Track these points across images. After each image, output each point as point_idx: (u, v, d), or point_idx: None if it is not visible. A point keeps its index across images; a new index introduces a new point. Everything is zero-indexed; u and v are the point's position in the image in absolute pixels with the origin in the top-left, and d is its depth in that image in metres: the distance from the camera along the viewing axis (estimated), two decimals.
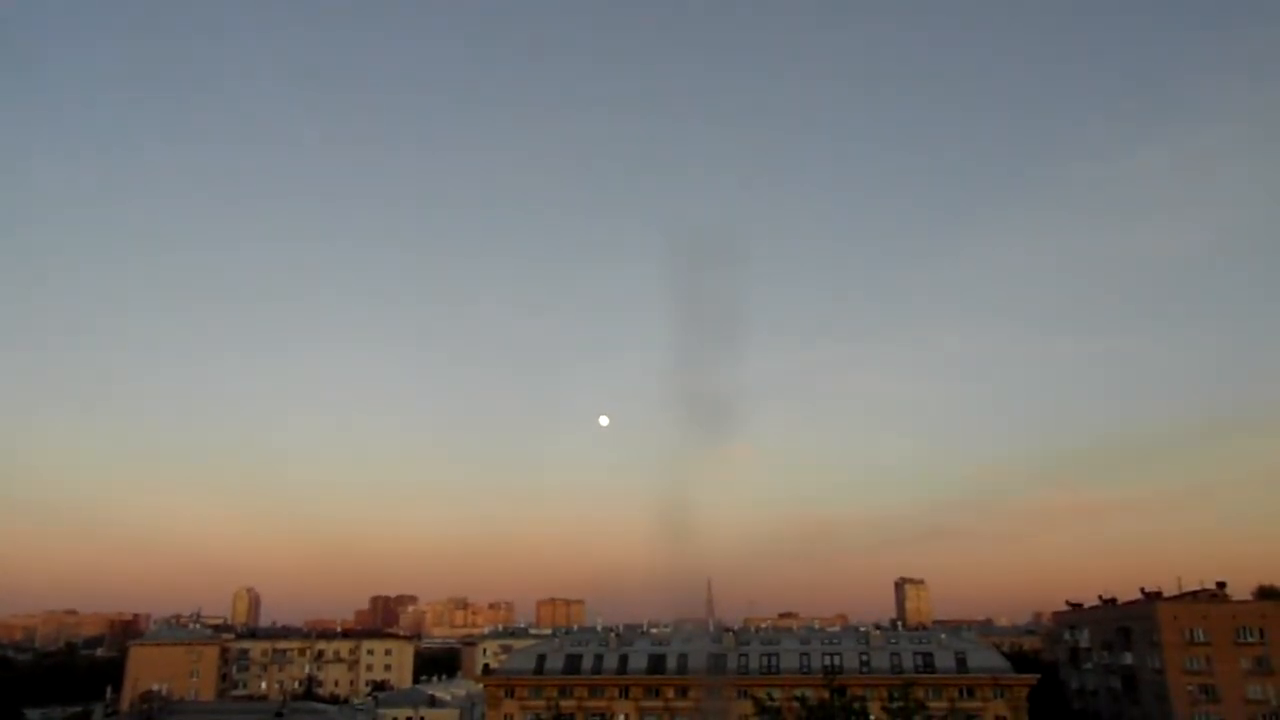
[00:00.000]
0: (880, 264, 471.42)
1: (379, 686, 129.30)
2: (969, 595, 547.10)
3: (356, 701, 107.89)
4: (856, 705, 46.88)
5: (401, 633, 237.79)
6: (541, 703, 79.09)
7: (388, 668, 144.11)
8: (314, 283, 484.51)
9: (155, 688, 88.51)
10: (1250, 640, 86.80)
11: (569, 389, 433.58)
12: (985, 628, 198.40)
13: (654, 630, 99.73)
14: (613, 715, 78.75)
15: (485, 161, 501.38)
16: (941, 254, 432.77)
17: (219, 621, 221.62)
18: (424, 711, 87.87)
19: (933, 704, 69.06)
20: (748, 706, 61.80)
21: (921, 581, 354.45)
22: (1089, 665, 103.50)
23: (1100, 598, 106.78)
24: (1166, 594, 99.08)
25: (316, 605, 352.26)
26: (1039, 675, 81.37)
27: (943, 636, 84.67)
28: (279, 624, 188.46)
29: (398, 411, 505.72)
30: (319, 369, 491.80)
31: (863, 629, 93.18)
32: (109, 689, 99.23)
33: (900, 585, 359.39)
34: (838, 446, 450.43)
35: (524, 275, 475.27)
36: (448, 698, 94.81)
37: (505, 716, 79.44)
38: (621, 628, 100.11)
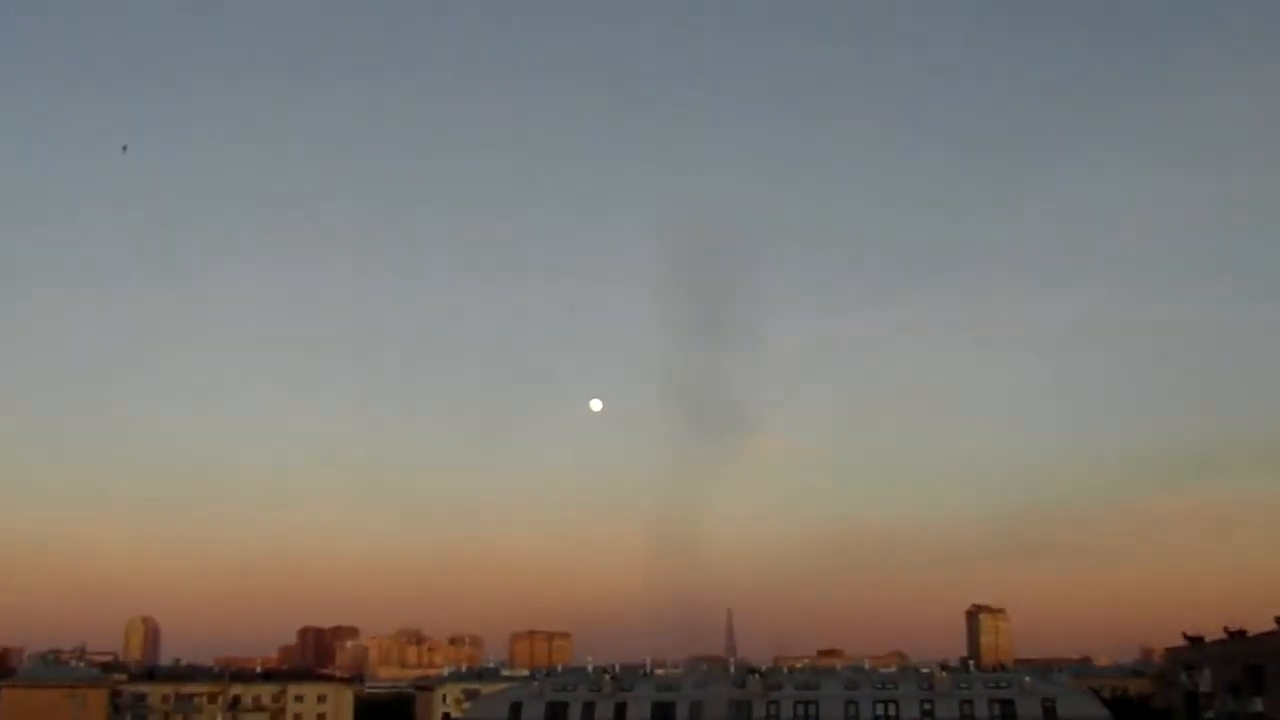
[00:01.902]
0: (947, 214, 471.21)
1: None
2: (1060, 627, 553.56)
3: None
4: None
5: (339, 674, 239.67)
6: None
7: (321, 717, 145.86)
8: (231, 241, 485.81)
9: None
10: None
11: (552, 371, 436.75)
12: (1081, 668, 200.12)
13: (659, 672, 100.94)
14: None
15: (470, 126, 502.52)
16: (1025, 199, 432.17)
17: (108, 658, 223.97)
18: None
19: None
20: None
21: (1000, 610, 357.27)
22: (1210, 714, 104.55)
23: (1226, 629, 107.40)
24: None
25: (230, 639, 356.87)
26: None
27: (1027, 679, 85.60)
28: (183, 662, 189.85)
29: (338, 404, 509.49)
30: (235, 351, 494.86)
31: (925, 669, 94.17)
32: None
33: (973, 615, 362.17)
34: (895, 439, 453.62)
35: (496, 241, 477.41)
36: None
37: None
38: (618, 668, 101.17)
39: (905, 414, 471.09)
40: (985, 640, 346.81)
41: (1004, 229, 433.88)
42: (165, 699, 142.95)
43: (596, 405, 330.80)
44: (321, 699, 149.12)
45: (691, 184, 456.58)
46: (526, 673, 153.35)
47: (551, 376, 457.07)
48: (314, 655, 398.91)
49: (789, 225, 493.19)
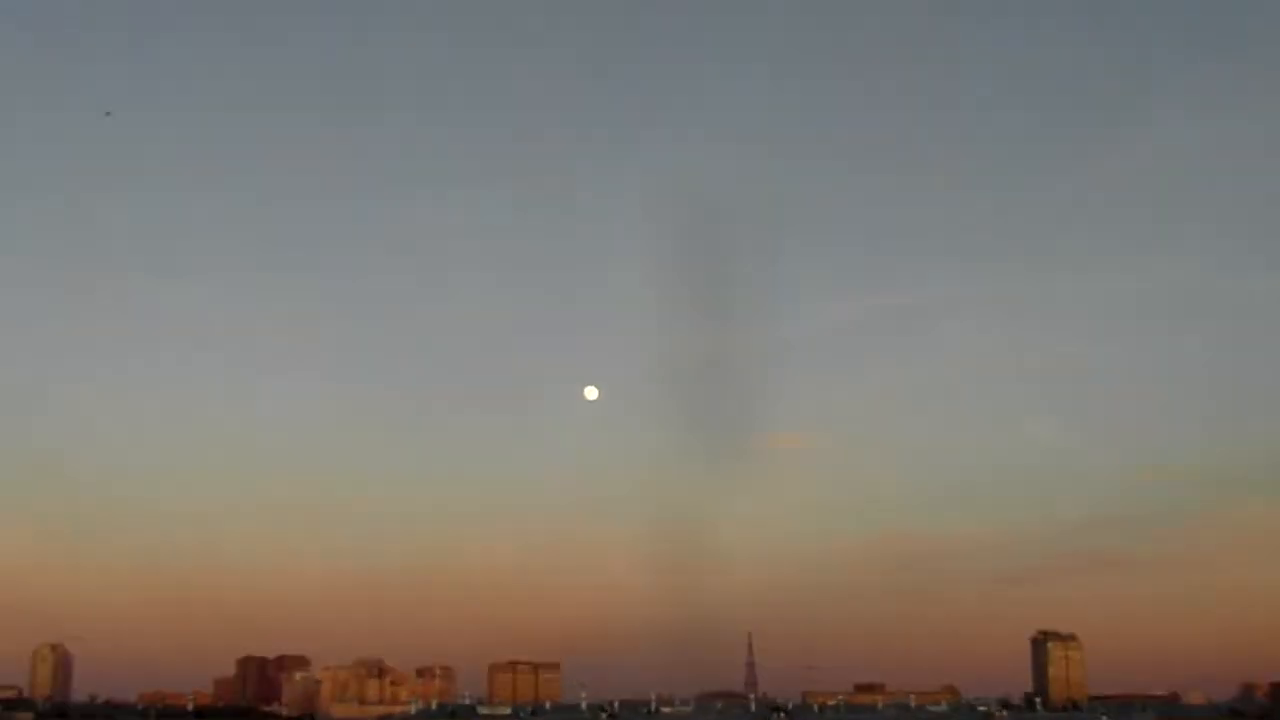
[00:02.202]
0: (1002, 171, 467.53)
1: None
2: (1143, 657, 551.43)
3: None
4: None
5: (285, 711, 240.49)
6: None
7: None
8: (165, 218, 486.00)
9: None
10: None
11: (539, 356, 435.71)
12: (1168, 706, 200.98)
13: (666, 710, 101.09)
14: None
15: (455, 94, 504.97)
16: (1099, 151, 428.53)
17: (12, 693, 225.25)
18: None
19: None
20: None
21: (1071, 637, 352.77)
22: None
23: None
24: None
25: (157, 670, 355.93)
26: None
27: (1104, 718, 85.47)
28: (101, 698, 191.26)
29: (286, 399, 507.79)
30: (163, 338, 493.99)
31: (982, 708, 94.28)
32: None
33: (1040, 642, 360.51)
34: (944, 436, 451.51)
35: (474, 210, 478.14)
36: None
37: None
38: (617, 705, 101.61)
39: (955, 407, 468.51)
40: (1054, 672, 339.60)
41: (1073, 187, 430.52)
42: None
43: (591, 393, 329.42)
44: None
45: (701, 145, 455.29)
46: (508, 710, 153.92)
47: (538, 362, 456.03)
48: (256, 689, 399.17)
49: (813, 189, 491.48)
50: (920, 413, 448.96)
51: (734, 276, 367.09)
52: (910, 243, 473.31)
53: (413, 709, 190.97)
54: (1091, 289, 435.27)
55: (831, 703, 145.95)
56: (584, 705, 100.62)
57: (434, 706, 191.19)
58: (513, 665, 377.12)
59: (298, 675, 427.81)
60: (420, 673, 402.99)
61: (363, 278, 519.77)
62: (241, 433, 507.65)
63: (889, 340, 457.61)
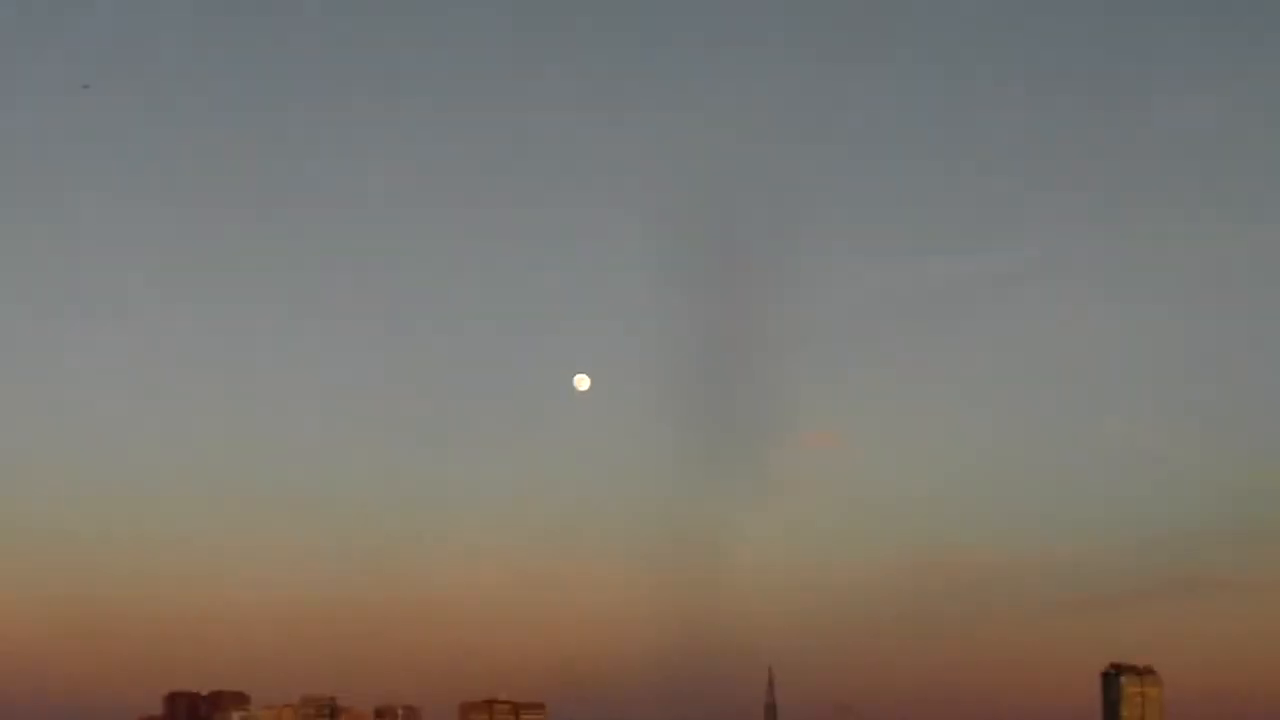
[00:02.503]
0: (1079, 108, 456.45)
1: None
2: (1231, 694, 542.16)
3: None
4: None
5: None
6: None
7: None
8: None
9: None
10: None
11: (521, 339, 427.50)
12: None
13: None
14: None
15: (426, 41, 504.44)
16: (1196, 86, 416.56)
17: None
18: None
19: None
20: None
21: (1149, 671, 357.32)
22: None
23: None
24: None
25: (71, 706, 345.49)
26: None
27: None
28: None
29: (223, 389, 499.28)
30: (90, 323, 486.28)
31: None
32: None
33: (1113, 676, 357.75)
34: (998, 435, 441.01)
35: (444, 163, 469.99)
36: None
37: None
38: None
39: (1013, 399, 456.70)
40: (1128, 714, 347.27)
41: (1165, 128, 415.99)
42: None
43: (583, 383, 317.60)
44: None
45: (715, 83, 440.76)
46: None
47: (521, 345, 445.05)
48: None
49: (846, 135, 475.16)
50: (973, 407, 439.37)
51: (750, 244, 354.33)
52: (956, 205, 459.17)
53: None
54: (1186, 257, 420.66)
55: None
56: None
57: None
58: (489, 704, 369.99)
59: (235, 714, 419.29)
60: (380, 713, 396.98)
61: (319, 250, 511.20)
62: (171, 435, 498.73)
63: (934, 320, 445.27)
